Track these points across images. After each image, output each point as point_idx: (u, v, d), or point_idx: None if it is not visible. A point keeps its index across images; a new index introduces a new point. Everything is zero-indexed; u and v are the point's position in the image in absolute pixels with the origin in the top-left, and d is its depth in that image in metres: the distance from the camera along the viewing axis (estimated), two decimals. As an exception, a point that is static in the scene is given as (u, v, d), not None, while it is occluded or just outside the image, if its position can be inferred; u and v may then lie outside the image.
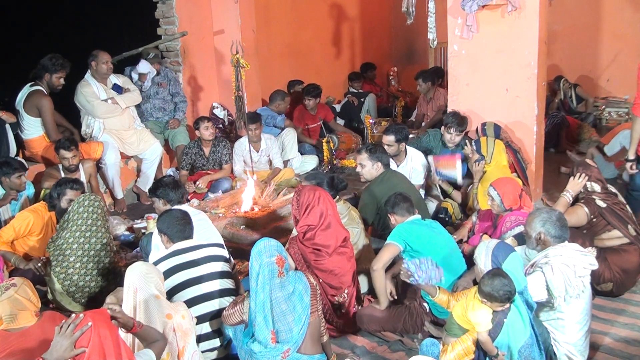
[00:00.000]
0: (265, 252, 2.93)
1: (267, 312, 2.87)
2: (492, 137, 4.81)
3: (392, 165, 4.79)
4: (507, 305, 2.76)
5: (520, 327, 2.78)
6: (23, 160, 5.19)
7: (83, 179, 5.20)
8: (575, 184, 4.00)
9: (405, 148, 4.98)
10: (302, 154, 6.87)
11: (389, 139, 4.86)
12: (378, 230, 4.44)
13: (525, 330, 2.78)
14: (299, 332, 2.92)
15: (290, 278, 2.98)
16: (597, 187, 3.96)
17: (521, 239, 3.51)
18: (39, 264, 4.10)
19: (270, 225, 4.77)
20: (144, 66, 6.35)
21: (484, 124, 4.98)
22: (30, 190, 5.03)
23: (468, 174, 4.89)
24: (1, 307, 2.75)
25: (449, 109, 5.33)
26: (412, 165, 4.93)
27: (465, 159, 4.95)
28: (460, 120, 5.03)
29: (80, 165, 5.24)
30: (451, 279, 3.39)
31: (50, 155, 5.46)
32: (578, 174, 4.00)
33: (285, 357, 2.88)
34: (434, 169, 4.93)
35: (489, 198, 3.85)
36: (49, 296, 3.94)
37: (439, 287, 3.16)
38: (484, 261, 2.95)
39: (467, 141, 4.75)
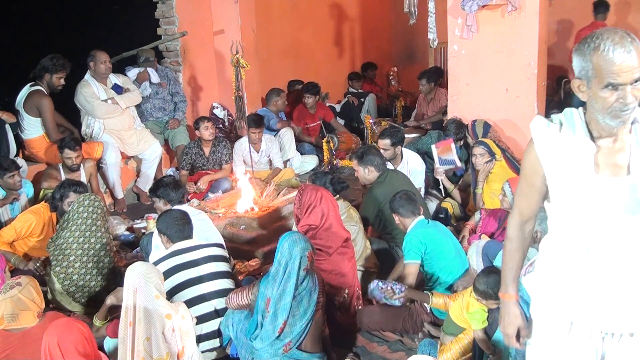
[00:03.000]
0: (300, 243, 2.96)
1: (287, 302, 2.89)
2: (481, 134, 4.85)
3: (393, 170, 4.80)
4: None
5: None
6: (17, 159, 5.16)
7: (83, 178, 5.19)
8: None
9: (402, 151, 4.96)
10: (302, 154, 6.87)
11: (385, 142, 4.84)
12: (378, 231, 4.44)
13: None
14: (302, 325, 2.93)
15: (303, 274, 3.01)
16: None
17: None
18: (38, 264, 4.10)
19: (270, 225, 4.77)
20: (130, 73, 6.36)
21: (474, 122, 5.00)
22: (30, 191, 5.03)
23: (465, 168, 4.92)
24: (3, 306, 2.75)
25: (449, 110, 5.34)
26: (410, 167, 4.91)
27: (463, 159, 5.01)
28: (456, 130, 5.10)
29: (81, 165, 5.24)
30: (455, 279, 3.40)
31: (50, 155, 5.46)
32: None
33: (286, 350, 2.89)
34: (436, 158, 4.98)
35: (502, 193, 3.87)
36: (49, 296, 3.94)
37: (431, 292, 3.19)
38: (475, 261, 2.98)
39: (483, 147, 4.67)
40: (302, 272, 2.95)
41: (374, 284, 3.34)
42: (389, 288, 3.25)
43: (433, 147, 5.06)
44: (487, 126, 4.95)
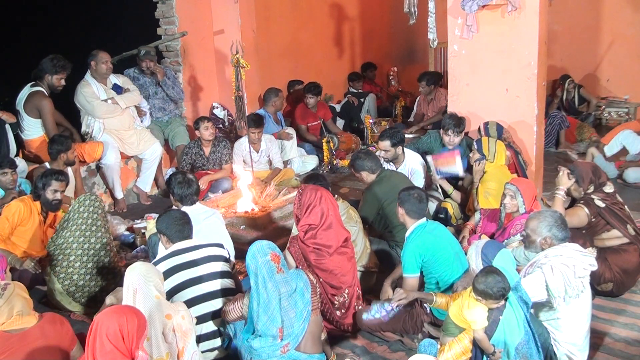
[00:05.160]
0: (259, 252, 2.99)
1: (274, 310, 2.89)
2: (495, 136, 4.80)
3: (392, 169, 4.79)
4: (502, 302, 2.77)
5: (516, 324, 2.78)
6: (17, 159, 5.15)
7: (71, 174, 5.19)
8: (561, 180, 3.98)
9: (403, 150, 4.95)
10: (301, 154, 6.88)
11: (385, 144, 4.83)
12: (378, 230, 4.44)
13: (520, 328, 2.78)
14: (299, 327, 2.94)
15: (292, 275, 3.02)
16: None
17: None
18: (33, 263, 4.09)
19: (270, 225, 4.77)
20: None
21: (486, 123, 4.97)
22: (28, 190, 5.02)
23: (469, 169, 4.88)
24: (13, 303, 2.75)
25: (449, 110, 5.33)
26: (411, 167, 4.91)
27: (464, 156, 4.98)
28: (456, 122, 5.03)
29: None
30: (454, 280, 3.39)
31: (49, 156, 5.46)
32: (561, 170, 4.00)
33: (284, 351, 2.89)
34: (434, 168, 4.92)
35: (506, 197, 3.84)
36: (49, 296, 3.94)
37: (434, 293, 3.18)
38: (475, 261, 2.98)
39: (474, 145, 4.70)
40: (279, 276, 2.95)
41: (367, 316, 3.40)
42: (383, 312, 3.35)
43: (430, 158, 4.96)
44: (500, 127, 4.91)
